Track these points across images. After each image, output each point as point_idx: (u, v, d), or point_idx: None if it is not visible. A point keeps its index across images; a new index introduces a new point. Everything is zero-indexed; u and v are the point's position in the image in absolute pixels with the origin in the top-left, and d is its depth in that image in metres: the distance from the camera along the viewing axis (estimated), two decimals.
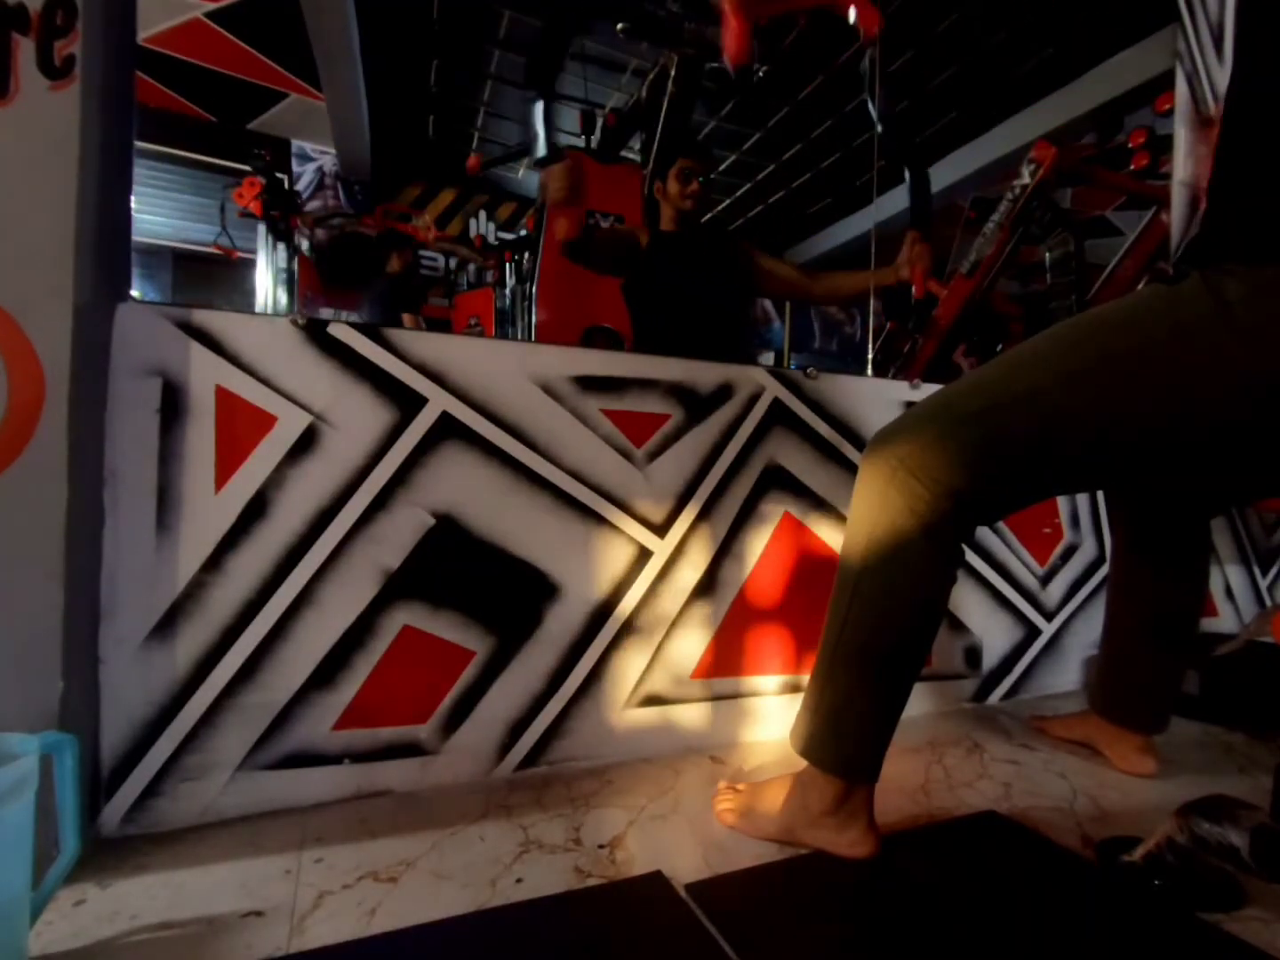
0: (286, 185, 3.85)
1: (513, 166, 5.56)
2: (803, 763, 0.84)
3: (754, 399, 1.25)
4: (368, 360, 0.99)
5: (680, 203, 1.79)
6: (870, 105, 2.42)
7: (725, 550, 1.22)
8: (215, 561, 0.90)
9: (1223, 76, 1.43)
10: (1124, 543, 1.14)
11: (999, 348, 2.56)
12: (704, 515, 1.20)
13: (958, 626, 1.42)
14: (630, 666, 1.14)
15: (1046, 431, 0.75)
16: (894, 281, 1.77)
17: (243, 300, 4.56)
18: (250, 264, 4.01)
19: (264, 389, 0.94)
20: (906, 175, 2.38)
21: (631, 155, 3.68)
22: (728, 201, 6.16)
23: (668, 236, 1.83)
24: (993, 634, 1.46)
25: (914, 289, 1.71)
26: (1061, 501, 1.57)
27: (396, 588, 0.99)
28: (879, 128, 2.41)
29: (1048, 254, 2.43)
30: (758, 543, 1.25)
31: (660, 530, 1.17)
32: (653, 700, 1.16)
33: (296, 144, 5.25)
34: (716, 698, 1.21)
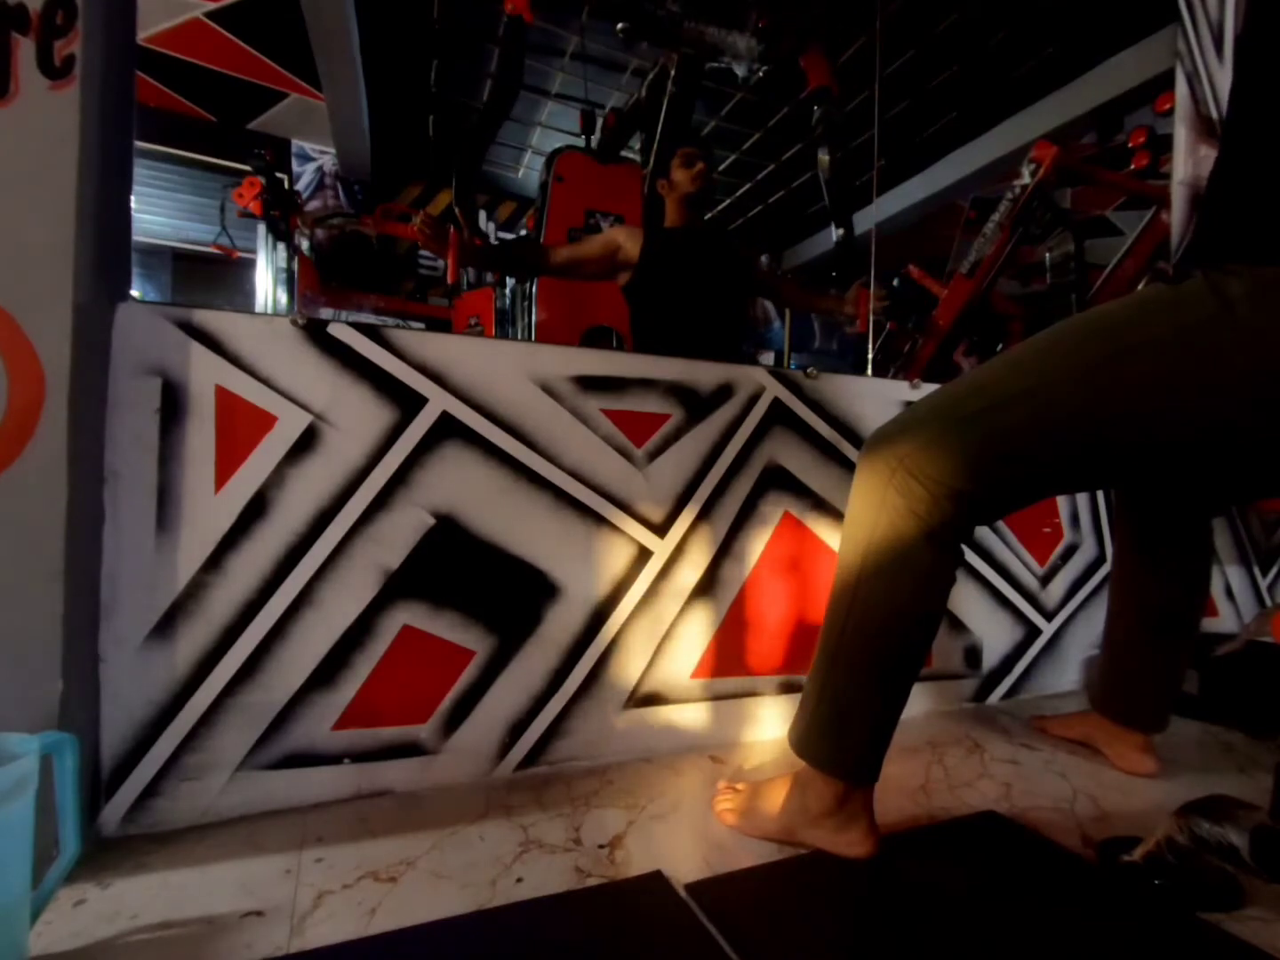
0: (286, 185, 3.84)
1: (512, 166, 5.56)
2: (802, 762, 0.84)
3: (754, 399, 1.25)
4: (368, 360, 0.99)
5: (688, 185, 1.81)
6: (820, 158, 2.54)
7: (725, 550, 1.22)
8: (215, 561, 0.90)
9: (1223, 76, 1.43)
10: (1126, 542, 1.14)
11: (999, 348, 2.56)
12: (704, 515, 1.20)
13: (958, 626, 1.42)
14: (630, 666, 1.14)
15: (1047, 431, 0.75)
16: (843, 313, 1.99)
17: (243, 300, 4.55)
18: (250, 264, 4.00)
19: (264, 389, 0.94)
20: (837, 233, 2.55)
21: (631, 155, 3.68)
22: (728, 201, 6.16)
23: (668, 235, 1.84)
24: (993, 634, 1.46)
25: (858, 324, 1.96)
26: (1061, 501, 1.57)
27: (396, 588, 0.99)
28: (824, 184, 2.55)
29: (1048, 254, 2.43)
30: (758, 543, 1.25)
31: (660, 530, 1.17)
32: (653, 700, 1.16)
33: (296, 144, 5.24)
34: (716, 698, 1.21)
